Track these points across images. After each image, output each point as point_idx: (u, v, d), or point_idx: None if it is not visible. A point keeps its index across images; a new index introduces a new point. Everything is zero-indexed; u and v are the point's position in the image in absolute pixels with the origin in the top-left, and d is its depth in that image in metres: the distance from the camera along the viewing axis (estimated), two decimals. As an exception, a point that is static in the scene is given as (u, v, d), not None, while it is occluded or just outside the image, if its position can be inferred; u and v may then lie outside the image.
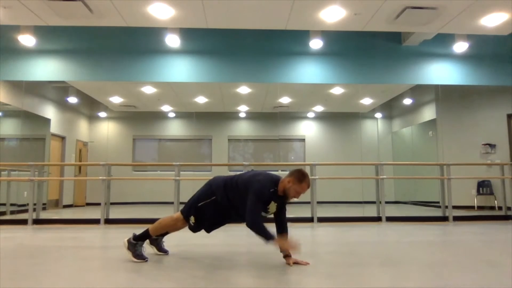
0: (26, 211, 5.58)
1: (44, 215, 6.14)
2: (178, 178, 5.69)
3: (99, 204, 5.57)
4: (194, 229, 2.91)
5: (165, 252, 3.09)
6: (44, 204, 6.79)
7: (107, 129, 9.58)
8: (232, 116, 9.97)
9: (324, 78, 6.64)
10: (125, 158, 9.59)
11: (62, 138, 8.27)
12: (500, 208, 6.90)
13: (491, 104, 7.52)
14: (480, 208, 7.38)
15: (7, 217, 6.27)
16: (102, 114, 9.53)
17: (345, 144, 9.87)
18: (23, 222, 5.43)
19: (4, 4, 4.94)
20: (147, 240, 3.00)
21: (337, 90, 7.98)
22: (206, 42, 6.56)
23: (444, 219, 5.88)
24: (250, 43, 6.59)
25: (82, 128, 9.23)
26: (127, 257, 2.83)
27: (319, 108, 9.75)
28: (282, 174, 2.88)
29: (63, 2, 4.84)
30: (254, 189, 2.64)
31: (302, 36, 6.58)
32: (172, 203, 5.60)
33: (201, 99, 8.63)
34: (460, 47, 6.63)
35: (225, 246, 3.54)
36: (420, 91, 8.05)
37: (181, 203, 2.91)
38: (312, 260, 2.81)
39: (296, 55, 6.62)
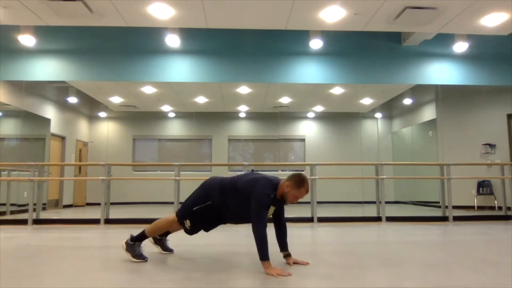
0: (26, 211, 5.59)
1: (44, 215, 6.13)
2: (178, 178, 5.69)
3: (99, 204, 5.57)
4: (190, 232, 2.87)
5: (170, 251, 3.10)
6: (44, 204, 6.79)
7: (107, 129, 9.58)
8: (232, 116, 9.97)
9: (324, 78, 6.64)
10: (125, 158, 9.59)
11: (62, 138, 8.27)
12: (500, 208, 6.90)
13: (491, 104, 7.52)
14: (480, 208, 7.38)
15: (7, 217, 6.27)
16: (102, 114, 9.53)
17: (345, 144, 9.87)
18: (23, 222, 5.44)
19: (4, 4, 4.95)
20: (151, 240, 2.99)
21: (337, 90, 7.98)
22: (206, 42, 6.56)
23: (444, 219, 5.88)
24: (250, 43, 6.59)
25: (82, 128, 9.23)
26: (127, 257, 2.83)
27: (319, 108, 9.75)
28: (282, 174, 2.87)
29: (63, 2, 4.84)
30: (258, 197, 2.54)
31: (302, 36, 6.59)
32: (172, 203, 5.60)
33: (201, 99, 8.63)
34: (460, 47, 6.64)
35: (225, 246, 3.53)
36: (420, 91, 8.04)
37: (181, 203, 2.90)
38: (312, 260, 2.82)
39: (296, 55, 6.62)
